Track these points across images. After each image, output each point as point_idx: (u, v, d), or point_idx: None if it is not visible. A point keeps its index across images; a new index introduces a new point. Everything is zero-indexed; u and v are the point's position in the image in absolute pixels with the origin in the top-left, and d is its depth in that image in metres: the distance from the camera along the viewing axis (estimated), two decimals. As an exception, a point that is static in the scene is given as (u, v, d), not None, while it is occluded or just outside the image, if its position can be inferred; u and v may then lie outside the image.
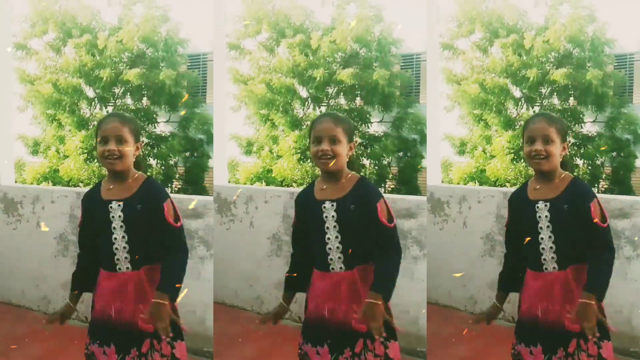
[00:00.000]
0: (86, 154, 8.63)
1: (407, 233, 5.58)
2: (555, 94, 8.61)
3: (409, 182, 8.12)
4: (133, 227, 3.48)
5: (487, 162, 8.49)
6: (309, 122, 8.72)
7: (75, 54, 8.82)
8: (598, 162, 8.50)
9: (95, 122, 8.68)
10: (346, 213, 3.46)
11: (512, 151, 8.49)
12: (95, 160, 8.54)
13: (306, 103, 8.81)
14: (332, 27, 8.75)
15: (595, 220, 3.41)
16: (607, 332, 3.49)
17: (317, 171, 8.63)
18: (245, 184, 8.52)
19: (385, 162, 8.34)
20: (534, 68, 8.48)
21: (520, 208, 3.59)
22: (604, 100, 8.50)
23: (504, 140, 8.46)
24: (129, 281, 3.49)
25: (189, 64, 8.58)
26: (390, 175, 8.30)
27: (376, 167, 8.49)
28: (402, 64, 8.61)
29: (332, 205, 3.48)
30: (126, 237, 3.48)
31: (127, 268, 3.49)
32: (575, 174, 3.61)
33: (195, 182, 8.12)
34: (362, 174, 3.62)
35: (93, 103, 8.78)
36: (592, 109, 8.54)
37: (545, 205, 3.50)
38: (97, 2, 9.63)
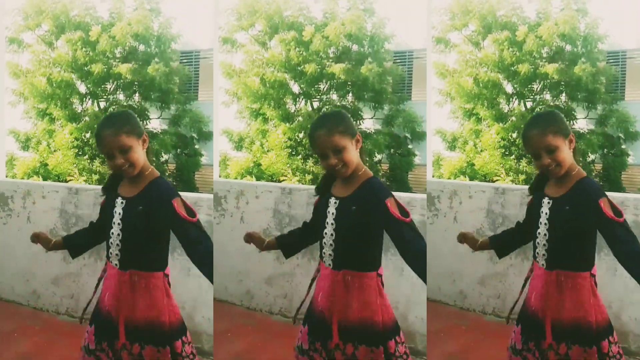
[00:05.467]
0: (77, 149, 8.62)
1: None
2: (546, 89, 8.61)
3: (400, 179, 8.10)
4: (128, 227, 3.49)
5: (477, 156, 8.47)
6: (300, 118, 8.71)
7: (68, 48, 8.80)
8: (588, 160, 8.51)
9: (87, 118, 8.68)
10: (346, 213, 3.45)
11: (502, 145, 8.49)
12: (86, 156, 8.53)
13: (298, 99, 8.80)
14: (325, 22, 8.73)
15: (610, 216, 3.30)
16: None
17: (308, 166, 8.66)
18: (235, 178, 8.51)
19: (375, 160, 8.34)
20: (526, 63, 8.47)
21: (536, 197, 3.58)
22: (594, 96, 8.49)
23: (494, 132, 8.45)
24: (115, 277, 3.53)
25: (182, 60, 8.57)
26: (381, 173, 8.30)
27: (366, 164, 8.45)
28: (395, 60, 8.60)
29: (336, 202, 3.48)
30: (120, 235, 3.50)
31: (116, 265, 3.52)
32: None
33: (187, 180, 8.12)
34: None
35: (85, 98, 8.77)
36: (584, 106, 8.55)
37: (549, 202, 3.48)
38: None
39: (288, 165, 8.52)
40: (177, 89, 8.33)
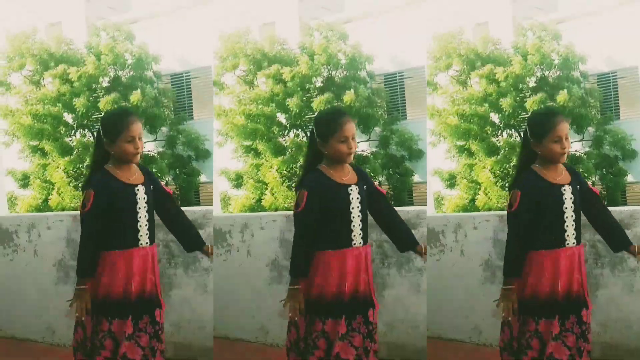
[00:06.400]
0: (73, 179, 8.55)
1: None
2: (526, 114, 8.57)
3: (401, 199, 8.01)
4: (150, 207, 4.09)
5: (477, 194, 8.38)
6: (292, 149, 8.65)
7: (52, 85, 8.86)
8: (589, 182, 8.42)
9: (80, 149, 8.67)
10: (363, 194, 4.05)
11: (498, 175, 8.40)
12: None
13: (285, 130, 8.75)
14: (304, 54, 8.73)
15: (593, 190, 4.08)
16: None
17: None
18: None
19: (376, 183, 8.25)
20: (508, 97, 8.45)
21: (544, 193, 3.98)
22: (582, 120, 8.44)
23: (488, 168, 8.37)
24: (148, 254, 4.07)
25: (172, 82, 8.57)
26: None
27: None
28: (386, 81, 8.56)
29: (356, 188, 4.03)
30: (147, 216, 4.06)
31: (147, 243, 4.06)
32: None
33: (188, 200, 8.06)
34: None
35: (73, 130, 8.76)
36: (574, 129, 8.49)
37: (569, 187, 3.99)
38: (70, 33, 9.70)
39: (289, 198, 8.41)
40: (167, 111, 8.31)
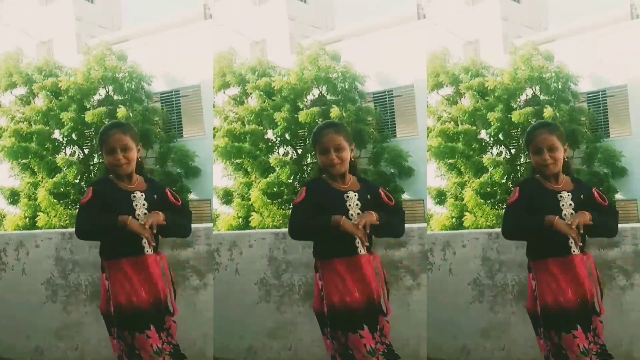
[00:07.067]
0: (61, 198, 8.52)
1: (398, 263, 5.60)
2: (520, 135, 8.57)
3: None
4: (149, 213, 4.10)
5: (464, 215, 8.32)
6: (279, 169, 8.60)
7: (41, 99, 8.86)
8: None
9: (65, 167, 8.63)
10: (365, 201, 4.06)
11: (485, 193, 8.36)
12: (70, 201, 8.55)
13: (274, 147, 8.72)
14: (295, 71, 8.74)
15: (601, 201, 4.06)
16: None
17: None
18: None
19: None
20: (496, 111, 8.42)
21: (539, 193, 4.04)
22: (575, 137, 8.41)
23: (475, 189, 8.32)
24: (153, 262, 4.06)
25: (162, 100, 8.55)
26: None
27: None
28: (376, 99, 8.54)
29: (355, 194, 4.07)
30: None
31: (150, 252, 4.05)
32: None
33: None
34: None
35: (62, 146, 8.72)
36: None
37: (569, 195, 4.01)
38: (61, 50, 9.71)
39: (278, 216, 8.37)
40: (157, 129, 8.28)
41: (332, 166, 4.05)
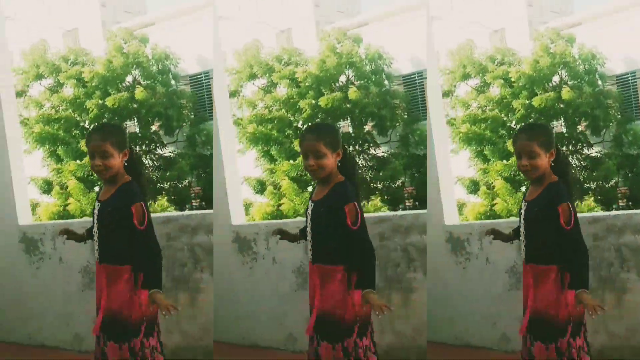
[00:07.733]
0: (90, 183, 8.68)
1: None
2: (544, 119, 8.56)
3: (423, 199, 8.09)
4: (101, 227, 3.93)
5: (494, 201, 8.38)
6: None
7: (68, 87, 8.99)
8: (612, 183, 8.40)
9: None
10: (318, 214, 3.92)
11: (513, 179, 8.38)
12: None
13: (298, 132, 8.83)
14: (321, 59, 8.76)
15: (561, 223, 3.74)
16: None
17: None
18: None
19: (398, 183, 8.19)
20: (521, 98, 8.44)
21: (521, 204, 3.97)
22: (597, 121, 8.44)
23: (501, 175, 8.36)
24: (98, 272, 3.97)
25: (191, 83, 8.61)
26: (406, 194, 8.15)
27: (388, 189, 8.28)
28: (405, 83, 8.55)
29: (312, 205, 3.95)
30: (97, 233, 3.95)
31: (98, 260, 3.97)
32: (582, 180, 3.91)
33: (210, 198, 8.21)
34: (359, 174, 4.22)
35: (86, 132, 8.90)
36: (590, 132, 8.48)
37: (524, 205, 3.91)
38: (87, 38, 9.81)
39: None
40: (186, 111, 8.36)
41: (310, 172, 3.97)
